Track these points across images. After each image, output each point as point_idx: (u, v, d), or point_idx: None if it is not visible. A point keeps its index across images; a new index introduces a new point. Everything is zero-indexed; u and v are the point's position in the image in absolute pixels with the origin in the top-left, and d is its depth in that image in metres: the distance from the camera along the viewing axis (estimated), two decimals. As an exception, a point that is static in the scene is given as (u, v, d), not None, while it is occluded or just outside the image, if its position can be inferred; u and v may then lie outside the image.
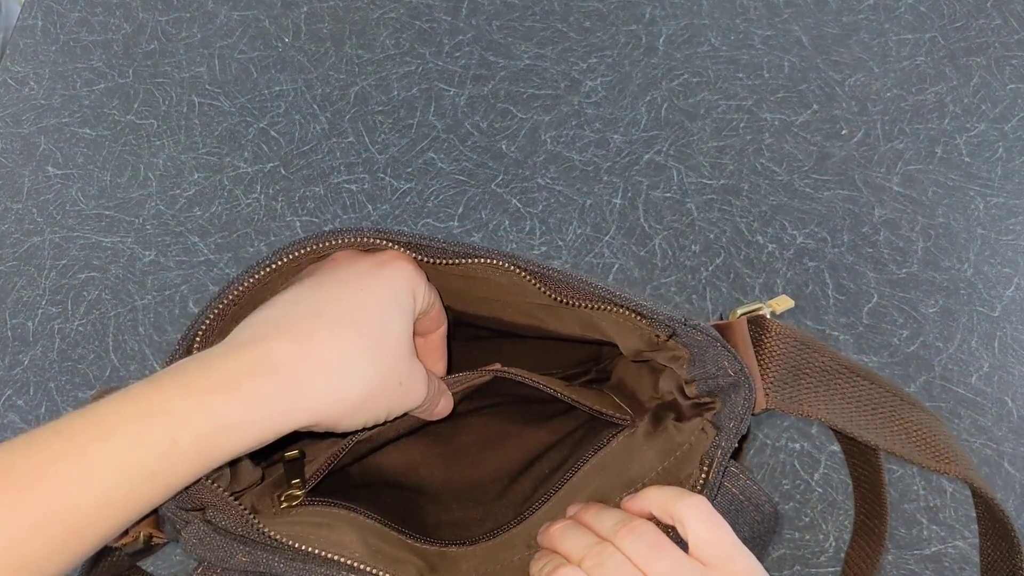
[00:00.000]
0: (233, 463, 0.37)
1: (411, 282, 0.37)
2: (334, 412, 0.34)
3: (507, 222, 0.71)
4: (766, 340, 0.40)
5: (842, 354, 0.40)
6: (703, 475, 0.39)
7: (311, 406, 0.33)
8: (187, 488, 0.33)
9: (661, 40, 0.82)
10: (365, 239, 0.37)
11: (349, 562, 0.36)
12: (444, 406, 0.41)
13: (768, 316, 0.40)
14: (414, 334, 0.39)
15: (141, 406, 0.30)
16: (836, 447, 0.61)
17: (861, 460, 0.46)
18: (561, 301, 0.39)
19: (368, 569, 0.36)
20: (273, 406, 0.32)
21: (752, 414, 0.38)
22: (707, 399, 0.40)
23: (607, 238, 0.70)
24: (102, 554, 0.39)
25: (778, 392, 0.39)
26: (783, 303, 0.41)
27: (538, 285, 0.38)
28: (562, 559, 0.38)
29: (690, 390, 0.40)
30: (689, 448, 0.40)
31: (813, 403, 0.39)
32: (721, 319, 0.41)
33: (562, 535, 0.39)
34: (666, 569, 0.35)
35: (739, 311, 0.40)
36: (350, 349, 0.34)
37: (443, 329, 0.41)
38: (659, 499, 0.38)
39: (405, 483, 0.47)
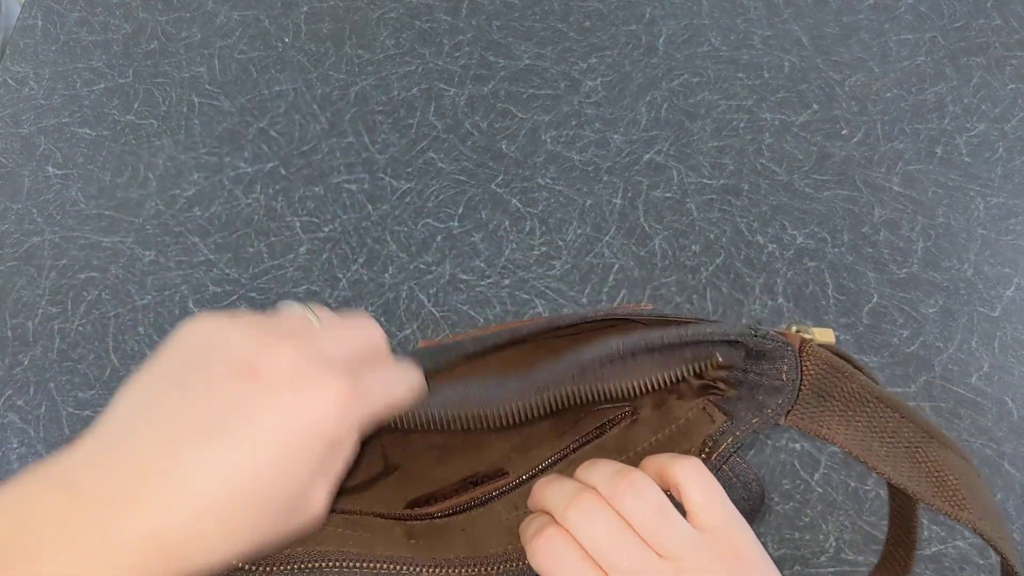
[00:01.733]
0: None
1: (332, 436, 0.30)
2: (171, 562, 0.28)
3: (507, 222, 0.71)
4: (801, 359, 0.39)
5: (877, 386, 0.40)
6: (702, 456, 0.39)
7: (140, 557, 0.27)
8: None
9: (661, 40, 0.82)
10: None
11: (328, 565, 0.36)
12: (405, 394, 0.35)
13: (807, 339, 0.40)
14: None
15: None
16: (836, 447, 0.61)
17: (901, 494, 0.45)
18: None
19: (351, 565, 0.36)
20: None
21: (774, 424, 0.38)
22: (721, 385, 0.39)
23: (607, 238, 0.70)
24: None
25: (800, 412, 0.39)
26: (826, 335, 0.40)
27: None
28: (548, 518, 0.36)
29: (716, 372, 0.40)
30: (685, 423, 0.40)
31: (832, 427, 0.39)
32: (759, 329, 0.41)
33: (543, 489, 0.37)
34: (670, 540, 0.34)
35: (794, 328, 0.40)
36: (204, 517, 0.27)
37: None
38: (653, 463, 0.37)
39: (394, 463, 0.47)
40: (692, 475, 0.35)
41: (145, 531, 0.27)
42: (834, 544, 0.58)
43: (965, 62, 0.80)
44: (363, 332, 0.34)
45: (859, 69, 0.80)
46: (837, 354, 0.41)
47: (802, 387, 0.39)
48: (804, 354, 0.39)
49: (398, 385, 0.34)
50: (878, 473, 0.38)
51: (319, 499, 0.31)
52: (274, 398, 0.29)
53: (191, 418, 0.28)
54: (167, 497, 0.27)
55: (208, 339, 0.30)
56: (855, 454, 0.38)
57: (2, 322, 0.67)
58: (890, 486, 0.46)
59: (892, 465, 0.38)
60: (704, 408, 0.39)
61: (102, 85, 0.79)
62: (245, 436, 0.28)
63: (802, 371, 0.39)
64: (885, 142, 0.75)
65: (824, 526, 0.58)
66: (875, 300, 0.67)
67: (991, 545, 0.37)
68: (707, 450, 0.39)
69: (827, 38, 0.81)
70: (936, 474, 0.38)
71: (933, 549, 0.57)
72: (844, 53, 0.81)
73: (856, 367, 0.41)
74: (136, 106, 0.78)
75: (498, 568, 0.38)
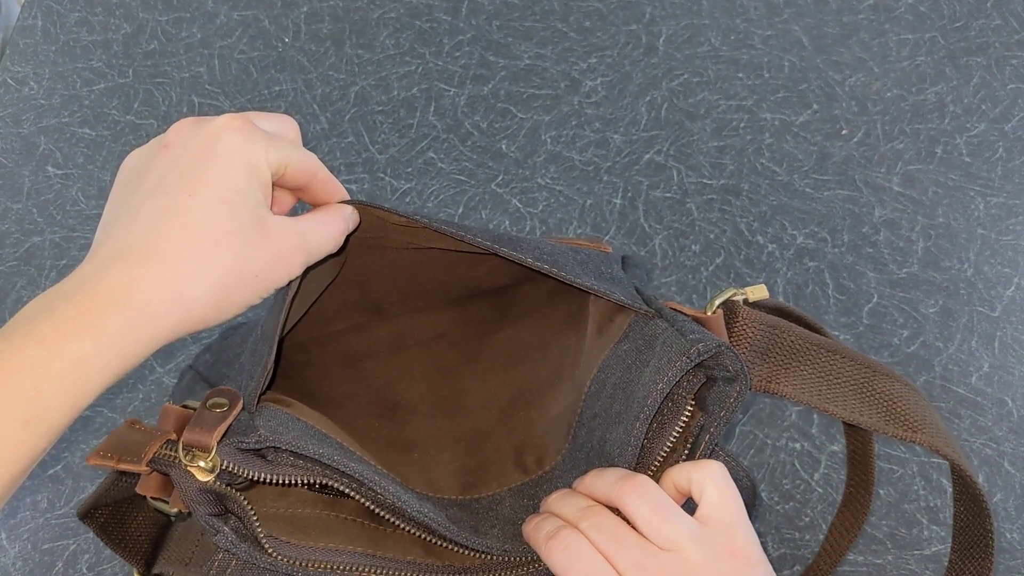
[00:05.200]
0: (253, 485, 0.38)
1: (246, 157, 0.35)
2: (189, 325, 0.35)
3: (507, 222, 0.71)
4: (735, 325, 0.41)
5: (815, 334, 0.42)
6: (686, 450, 0.40)
7: (162, 328, 0.34)
8: (217, 495, 0.36)
9: (661, 40, 0.82)
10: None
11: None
12: (352, 220, 0.41)
13: (740, 302, 0.42)
14: (297, 188, 0.39)
15: None
16: (836, 447, 0.61)
17: (856, 433, 0.47)
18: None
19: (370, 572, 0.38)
20: (124, 337, 0.33)
21: None
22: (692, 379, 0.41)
23: (607, 238, 0.70)
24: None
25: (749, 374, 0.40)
26: (758, 292, 0.42)
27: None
28: (561, 522, 0.39)
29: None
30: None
31: (781, 381, 0.41)
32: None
33: (557, 502, 0.40)
34: (672, 531, 0.36)
35: (716, 302, 0.42)
36: (189, 266, 0.34)
37: (319, 173, 0.39)
38: (678, 470, 0.39)
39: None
40: (715, 475, 0.38)
41: (154, 286, 0.33)
42: (834, 544, 0.58)
43: (965, 62, 0.80)
44: (272, 116, 0.39)
45: (859, 69, 0.80)
46: (774, 308, 0.43)
47: (742, 349, 0.41)
48: (737, 323, 0.41)
49: (305, 155, 0.38)
50: (831, 415, 0.40)
51: (277, 225, 0.36)
52: (186, 149, 0.36)
53: (143, 202, 0.35)
54: (156, 260, 0.34)
55: (132, 161, 0.38)
56: (805, 402, 0.40)
57: (2, 322, 0.67)
58: (846, 433, 0.48)
59: (843, 404, 0.40)
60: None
61: (102, 85, 0.79)
62: (182, 187, 0.35)
63: (738, 334, 0.41)
64: (885, 142, 0.75)
65: (824, 526, 0.58)
66: (875, 300, 0.67)
67: (948, 459, 0.39)
68: (689, 446, 0.40)
69: (827, 38, 0.81)
70: (886, 404, 0.40)
71: (933, 549, 0.57)
72: (844, 53, 0.81)
73: (796, 317, 0.43)
74: (136, 106, 0.78)
75: (511, 574, 0.40)
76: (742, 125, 0.76)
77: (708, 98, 0.78)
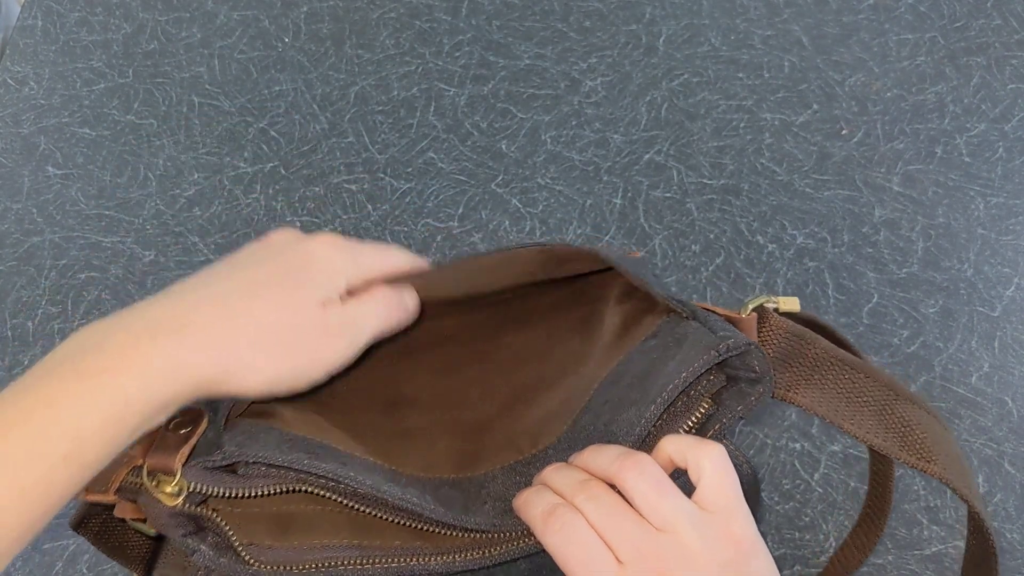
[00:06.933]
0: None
1: (334, 272, 0.41)
2: (228, 391, 0.37)
3: (507, 222, 0.71)
4: (764, 329, 0.41)
5: (841, 350, 0.41)
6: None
7: (197, 384, 0.35)
8: (188, 516, 0.36)
9: (661, 40, 0.82)
10: None
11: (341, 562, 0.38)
12: (413, 310, 0.45)
13: (771, 309, 0.42)
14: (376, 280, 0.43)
15: (41, 394, 0.32)
16: (836, 447, 0.61)
17: (879, 456, 0.47)
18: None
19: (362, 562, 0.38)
20: (170, 391, 0.34)
21: None
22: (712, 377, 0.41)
23: (607, 238, 0.70)
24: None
25: None
26: (790, 303, 0.42)
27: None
28: (557, 499, 0.38)
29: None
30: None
31: (800, 390, 0.41)
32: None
33: (553, 475, 0.40)
34: (669, 511, 0.36)
35: (750, 305, 0.42)
36: (257, 360, 0.37)
37: (391, 266, 0.43)
38: (676, 443, 0.39)
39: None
40: (714, 457, 0.37)
41: (184, 353, 0.35)
42: (834, 544, 0.58)
43: (965, 62, 0.80)
44: (382, 248, 0.44)
45: (859, 69, 0.80)
46: (803, 320, 0.42)
47: (767, 355, 0.41)
48: (765, 328, 0.41)
49: (391, 257, 0.43)
50: (846, 432, 0.40)
51: (336, 325, 0.40)
52: (280, 256, 0.41)
53: (233, 287, 0.39)
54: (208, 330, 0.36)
55: (242, 252, 0.42)
56: (821, 414, 0.40)
57: (2, 322, 0.67)
58: (871, 454, 0.48)
59: (858, 423, 0.40)
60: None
61: (102, 85, 0.79)
62: (269, 290, 0.38)
63: (764, 339, 0.41)
64: (885, 142, 0.75)
65: (824, 526, 0.58)
66: (875, 300, 0.67)
67: (958, 494, 0.39)
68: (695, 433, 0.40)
69: (827, 38, 0.81)
70: (903, 429, 0.40)
71: (933, 549, 0.57)
72: (844, 53, 0.81)
73: (824, 330, 0.42)
74: (136, 106, 0.78)
75: (501, 549, 0.40)
76: (742, 125, 0.76)
77: (708, 98, 0.78)
